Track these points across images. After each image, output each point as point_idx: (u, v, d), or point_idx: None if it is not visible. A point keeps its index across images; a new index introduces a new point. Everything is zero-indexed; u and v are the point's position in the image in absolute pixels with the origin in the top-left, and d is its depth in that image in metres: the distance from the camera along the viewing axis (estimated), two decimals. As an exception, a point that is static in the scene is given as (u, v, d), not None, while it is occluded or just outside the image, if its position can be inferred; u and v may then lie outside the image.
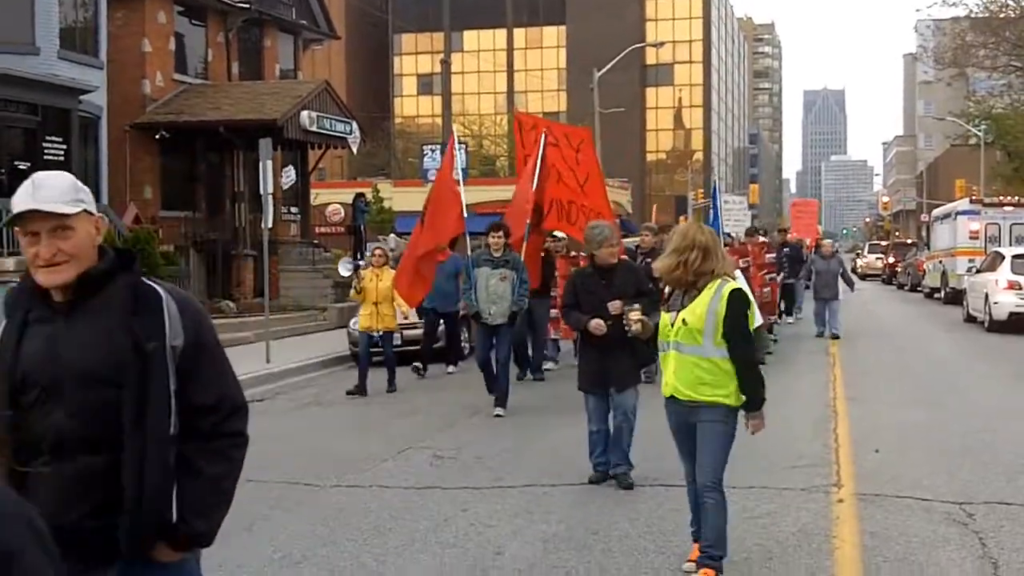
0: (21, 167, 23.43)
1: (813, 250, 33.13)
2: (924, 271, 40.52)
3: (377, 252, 16.18)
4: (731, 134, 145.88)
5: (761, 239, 22.47)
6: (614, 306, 8.89)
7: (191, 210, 29.54)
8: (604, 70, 50.21)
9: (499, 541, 7.59)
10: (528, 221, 14.69)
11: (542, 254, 16.25)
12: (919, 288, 41.62)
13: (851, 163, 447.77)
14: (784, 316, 26.08)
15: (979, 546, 7.32)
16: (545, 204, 15.37)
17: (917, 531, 7.69)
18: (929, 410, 13.28)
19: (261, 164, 20.20)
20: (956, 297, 31.38)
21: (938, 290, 36.23)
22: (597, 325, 8.96)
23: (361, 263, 15.99)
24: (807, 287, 26.18)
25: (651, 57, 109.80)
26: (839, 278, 23.16)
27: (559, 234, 17.56)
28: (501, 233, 13.58)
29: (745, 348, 6.43)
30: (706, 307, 6.35)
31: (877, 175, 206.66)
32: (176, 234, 27.94)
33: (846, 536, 7.56)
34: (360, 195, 36.40)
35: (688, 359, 6.42)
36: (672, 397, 6.60)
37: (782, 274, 22.05)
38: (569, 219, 15.60)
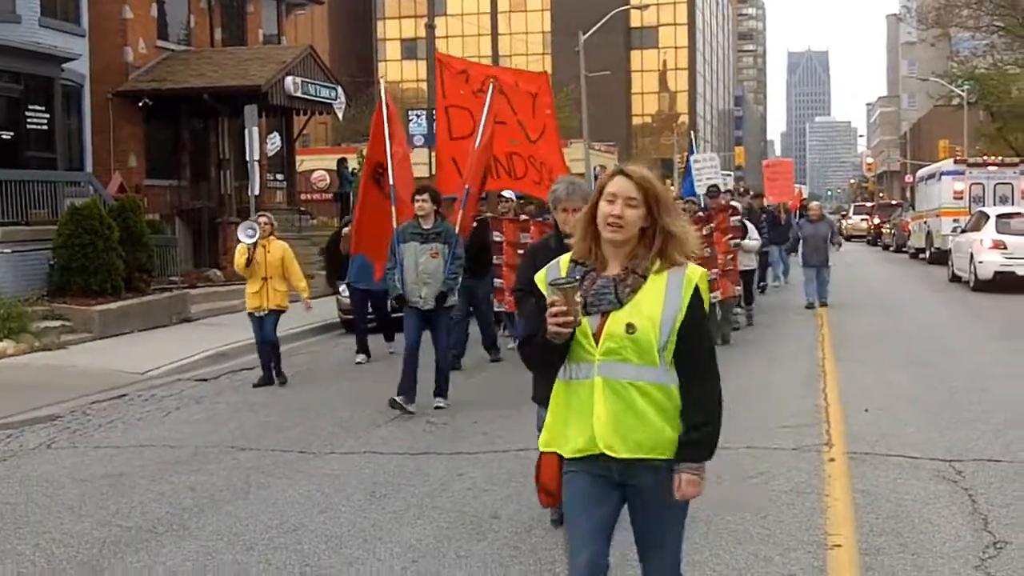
0: (4, 136, 23.31)
1: (796, 213, 32.99)
2: (909, 232, 40.68)
3: (262, 220, 13.57)
4: (716, 96, 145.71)
5: (728, 201, 19.13)
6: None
7: (176, 178, 29.42)
8: (589, 33, 49.99)
9: (495, 505, 7.65)
10: (467, 186, 12.51)
11: (474, 224, 13.85)
12: (904, 249, 41.80)
13: (835, 124, 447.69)
14: (759, 286, 22.82)
15: (969, 502, 7.41)
16: (501, 155, 13.67)
17: (908, 489, 7.78)
18: (917, 370, 13.38)
19: (247, 131, 20.17)
20: (941, 257, 31.55)
21: (923, 250, 36.41)
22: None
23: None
24: (791, 253, 25.48)
25: (636, 20, 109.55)
26: (828, 242, 21.48)
27: (508, 194, 16.26)
28: (427, 197, 11.22)
29: (714, 373, 4.22)
30: (662, 304, 4.02)
31: (861, 136, 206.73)
32: (161, 203, 27.84)
33: (838, 494, 7.64)
34: (342, 160, 36.29)
35: (630, 390, 4.02)
36: (595, 456, 4.11)
37: (756, 242, 18.26)
38: (514, 174, 13.88)
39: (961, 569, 6.13)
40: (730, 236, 16.09)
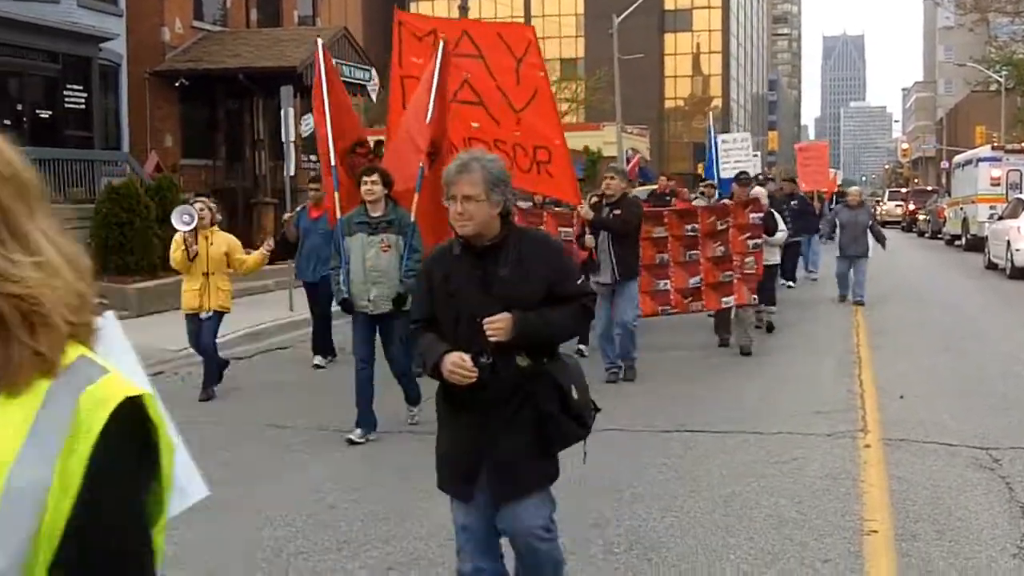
0: (42, 115, 23.50)
1: (831, 200, 32.36)
2: (945, 218, 40.38)
3: (198, 206, 11.38)
4: (750, 80, 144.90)
5: (758, 190, 15.71)
6: (495, 326, 4.43)
7: (211, 158, 29.57)
8: (623, 16, 49.78)
9: (529, 485, 7.65)
10: (420, 164, 9.97)
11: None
12: (939, 235, 41.49)
13: (870, 109, 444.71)
14: (786, 282, 20.72)
15: (1006, 491, 7.37)
16: (457, 142, 11.08)
17: (944, 476, 7.75)
18: (953, 357, 13.30)
19: (282, 111, 20.21)
20: (977, 244, 31.30)
21: (959, 237, 36.12)
22: (456, 365, 4.41)
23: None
24: (827, 240, 22.79)
25: (670, 2, 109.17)
26: (868, 232, 19.42)
27: None
28: (376, 178, 9.27)
29: None
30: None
31: (896, 121, 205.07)
32: (197, 182, 27.97)
33: (874, 481, 7.62)
34: (380, 143, 36.32)
35: None
36: None
37: (783, 233, 15.31)
38: None
39: (999, 557, 6.11)
40: (748, 235, 13.49)
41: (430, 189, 9.42)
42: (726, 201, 15.25)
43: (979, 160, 34.54)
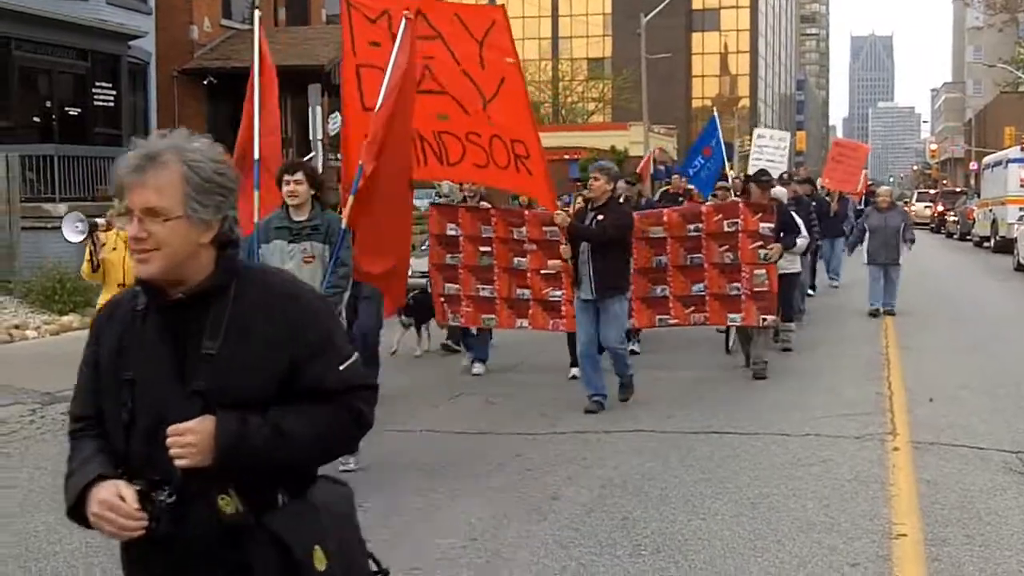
0: (72, 113, 23.62)
1: (862, 202, 31.37)
2: (974, 220, 40.11)
3: (111, 213, 9.83)
4: (777, 80, 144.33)
5: (779, 190, 14.21)
6: (184, 439, 2.59)
7: (239, 156, 29.69)
8: (651, 15, 49.69)
9: (555, 486, 7.63)
10: (360, 162, 7.95)
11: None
12: (968, 237, 41.22)
13: (898, 110, 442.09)
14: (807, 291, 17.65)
15: (1037, 495, 7.29)
16: (429, 137, 9.94)
17: (974, 479, 7.67)
18: (982, 359, 13.18)
19: (311, 110, 20.30)
20: (1006, 246, 31.07)
21: (988, 239, 35.86)
22: (107, 507, 2.57)
23: (100, 222, 9.56)
24: (852, 247, 20.25)
25: (698, 2, 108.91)
26: (900, 236, 17.30)
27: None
28: (300, 177, 8.05)
29: None
30: None
31: (925, 122, 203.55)
32: (224, 179, 28.10)
33: (902, 484, 7.55)
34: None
35: None
36: None
37: (805, 240, 13.42)
38: (447, 159, 10.02)
39: (1029, 562, 6.04)
40: (758, 244, 11.58)
41: (373, 195, 7.91)
42: (737, 199, 13.20)
43: (1009, 161, 34.29)
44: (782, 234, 12.13)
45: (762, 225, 11.59)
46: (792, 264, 13.35)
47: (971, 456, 8.33)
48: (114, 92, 24.44)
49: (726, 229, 11.68)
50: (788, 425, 9.46)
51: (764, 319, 11.67)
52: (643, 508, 7.05)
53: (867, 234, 17.60)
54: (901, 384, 11.36)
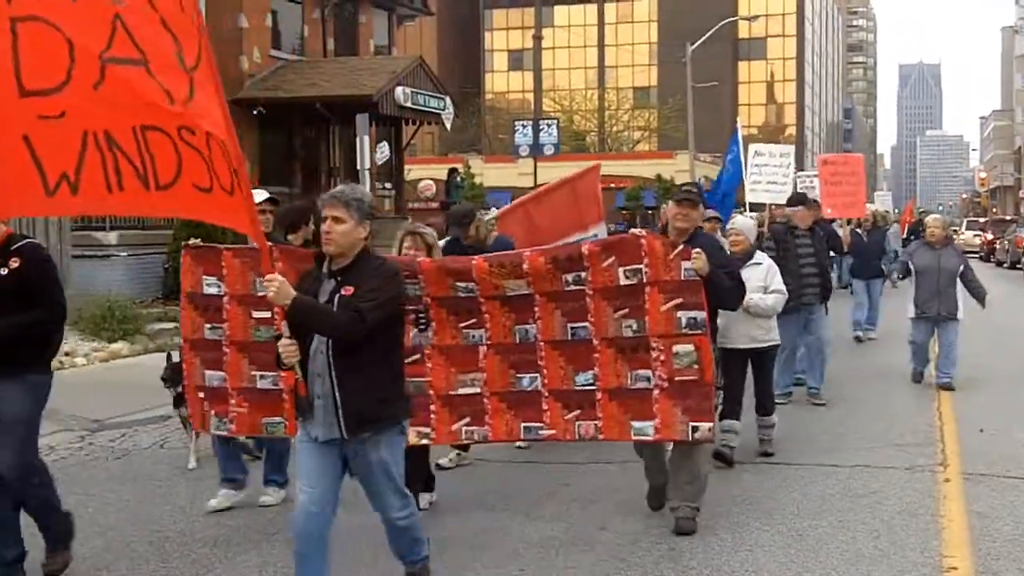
0: (123, 143, 23.92)
1: (906, 233, 29.11)
2: (1023, 247, 39.71)
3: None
4: (825, 108, 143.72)
5: (741, 221, 10.39)
6: None
7: (288, 185, 29.91)
8: (697, 44, 49.70)
9: (603, 516, 7.62)
10: None
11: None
12: (1018, 265, 40.83)
13: (947, 138, 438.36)
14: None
15: (1092, 529, 7.18)
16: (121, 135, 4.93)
17: (1026, 512, 7.57)
18: (1034, 390, 13.01)
19: (358, 139, 20.45)
20: (1058, 275, 30.68)
21: (1038, 267, 35.42)
22: None
23: None
24: (896, 283, 15.69)
25: (744, 31, 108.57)
26: (958, 281, 13.00)
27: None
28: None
29: None
30: None
31: (974, 150, 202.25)
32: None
33: (953, 515, 7.47)
34: (454, 170, 36.55)
35: None
36: None
37: (777, 297, 9.38)
38: (156, 180, 5.06)
39: (1084, 597, 5.95)
40: (676, 302, 6.85)
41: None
42: (636, 230, 7.24)
43: (1061, 190, 33.91)
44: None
45: (684, 267, 6.84)
46: (764, 332, 9.39)
47: (1023, 487, 8.23)
48: (165, 122, 24.76)
49: (622, 281, 6.94)
50: (837, 456, 9.39)
51: (694, 429, 6.89)
52: (689, 539, 7.02)
53: (913, 277, 13.23)
54: (951, 414, 11.25)
